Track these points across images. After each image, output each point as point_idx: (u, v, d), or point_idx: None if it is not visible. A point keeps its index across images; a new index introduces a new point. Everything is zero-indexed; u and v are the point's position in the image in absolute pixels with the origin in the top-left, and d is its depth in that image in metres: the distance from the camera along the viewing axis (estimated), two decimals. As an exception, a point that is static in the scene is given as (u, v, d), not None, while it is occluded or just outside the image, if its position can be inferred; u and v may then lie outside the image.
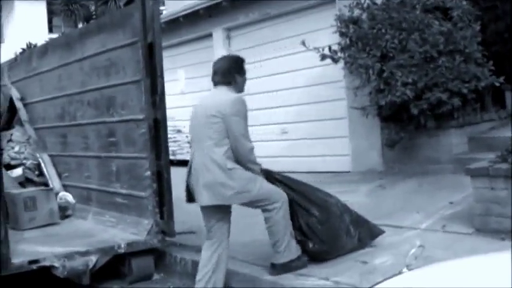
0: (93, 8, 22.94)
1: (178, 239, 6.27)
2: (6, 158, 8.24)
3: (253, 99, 10.45)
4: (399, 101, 7.18)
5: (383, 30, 7.35)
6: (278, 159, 9.65)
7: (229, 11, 10.93)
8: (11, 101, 9.08)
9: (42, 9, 29.40)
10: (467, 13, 7.35)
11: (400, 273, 2.37)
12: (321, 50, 7.89)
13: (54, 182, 7.89)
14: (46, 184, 7.86)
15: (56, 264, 5.40)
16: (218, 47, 11.18)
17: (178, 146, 12.29)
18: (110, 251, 5.77)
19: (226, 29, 11.29)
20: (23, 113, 8.88)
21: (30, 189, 7.46)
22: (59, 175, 8.06)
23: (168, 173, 5.91)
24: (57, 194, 7.52)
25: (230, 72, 4.81)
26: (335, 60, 7.95)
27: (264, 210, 4.75)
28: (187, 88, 12.37)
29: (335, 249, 5.07)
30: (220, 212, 4.73)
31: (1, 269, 5.12)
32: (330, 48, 7.93)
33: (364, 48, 7.50)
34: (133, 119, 6.21)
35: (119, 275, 6.03)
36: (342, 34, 7.90)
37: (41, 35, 21.87)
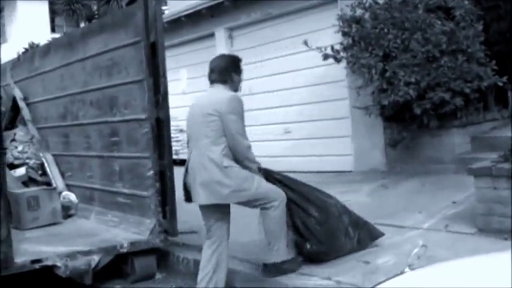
0: (95, 7, 22.91)
1: (181, 238, 6.27)
2: (9, 158, 8.26)
3: (256, 99, 10.48)
4: (402, 101, 7.18)
5: (385, 30, 7.35)
6: (281, 159, 9.66)
7: (231, 11, 10.93)
8: (14, 100, 9.09)
9: (44, 9, 29.37)
10: (469, 13, 7.35)
11: (402, 273, 2.37)
12: (323, 49, 7.89)
13: (57, 182, 7.90)
14: (49, 184, 7.87)
15: (59, 264, 5.40)
16: (220, 47, 11.18)
17: (181, 145, 12.27)
18: (113, 250, 5.77)
19: (229, 29, 11.30)
20: (26, 113, 8.89)
21: (33, 189, 7.47)
22: (62, 175, 8.07)
23: (171, 173, 5.91)
24: (60, 193, 7.53)
25: (227, 70, 4.82)
26: (337, 60, 7.95)
27: (261, 208, 4.73)
28: (189, 88, 12.37)
29: (333, 251, 5.04)
30: (218, 211, 4.72)
31: (4, 268, 5.13)
32: (332, 47, 7.93)
33: (367, 48, 7.50)
34: (136, 119, 6.21)
35: (122, 274, 6.03)
36: (344, 34, 7.89)
37: (43, 35, 21.87)
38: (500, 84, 7.27)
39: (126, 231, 6.28)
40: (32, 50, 11.86)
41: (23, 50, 15.13)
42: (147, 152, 6.03)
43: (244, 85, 10.24)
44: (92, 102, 7.12)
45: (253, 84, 10.44)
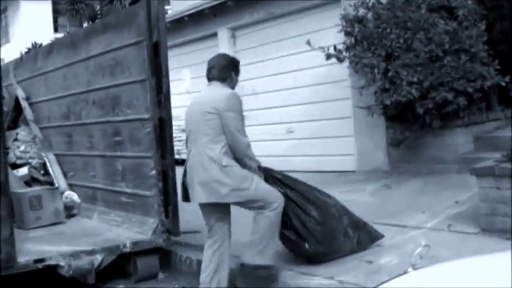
0: (98, 7, 22.97)
1: (184, 238, 6.28)
2: (12, 157, 8.27)
3: (259, 99, 10.49)
4: (404, 101, 7.17)
5: (388, 30, 7.34)
6: (283, 159, 9.66)
7: (234, 11, 10.93)
8: (17, 100, 9.10)
9: (47, 9, 29.45)
10: (472, 12, 7.34)
11: (405, 272, 2.37)
12: (326, 49, 7.88)
13: (60, 181, 7.91)
14: (52, 183, 7.88)
15: (62, 263, 5.41)
16: (223, 47, 11.18)
17: (182, 145, 12.19)
18: (115, 250, 5.77)
19: (231, 29, 11.29)
20: (28, 112, 8.90)
21: (35, 189, 7.48)
22: (65, 174, 8.08)
23: (174, 172, 5.91)
24: (62, 193, 7.54)
25: (228, 68, 4.85)
26: (340, 60, 7.94)
27: (258, 209, 4.64)
28: (192, 87, 12.36)
29: (332, 251, 5.02)
30: (218, 211, 4.70)
31: (7, 267, 5.13)
32: (335, 47, 7.92)
33: (369, 48, 7.49)
34: (138, 119, 6.22)
35: (124, 274, 6.03)
36: (347, 33, 7.89)
37: (46, 35, 21.93)
38: (503, 83, 7.26)
39: (129, 230, 6.28)
40: (35, 50, 11.89)
41: (26, 49, 15.18)
42: (150, 151, 6.04)
43: (247, 85, 10.39)
44: (95, 102, 7.13)
45: (256, 84, 10.45)
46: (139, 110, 6.20)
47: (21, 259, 5.29)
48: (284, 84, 10.15)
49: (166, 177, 5.93)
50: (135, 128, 6.30)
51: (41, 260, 5.37)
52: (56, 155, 8.31)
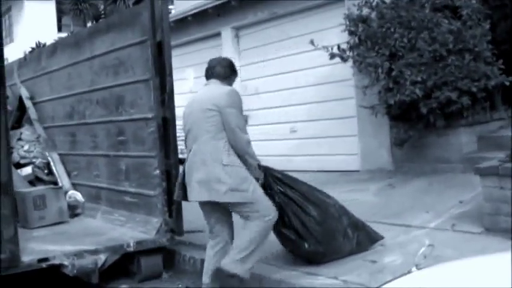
0: (102, 7, 22.98)
1: (187, 237, 6.28)
2: (15, 157, 8.28)
3: (262, 98, 10.49)
4: (408, 100, 7.16)
5: (392, 29, 7.34)
6: (287, 158, 9.67)
7: (237, 10, 10.94)
8: (21, 99, 9.12)
9: (51, 9, 29.47)
10: (476, 12, 7.32)
11: (409, 272, 2.37)
12: (329, 48, 7.88)
13: (64, 181, 7.92)
14: (55, 183, 7.89)
15: (66, 263, 5.41)
16: (227, 46, 11.18)
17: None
18: (119, 249, 5.78)
19: (235, 28, 11.29)
20: (32, 112, 8.92)
21: (39, 188, 7.49)
22: (68, 174, 8.09)
23: (177, 172, 5.87)
24: (66, 192, 7.55)
25: (229, 68, 4.88)
26: (344, 59, 7.93)
27: (252, 216, 4.55)
28: (195, 87, 12.37)
29: (331, 251, 5.01)
30: (217, 211, 4.68)
31: (11, 267, 5.14)
32: (338, 47, 7.92)
33: (373, 47, 7.49)
34: (142, 118, 6.22)
35: (128, 273, 6.04)
36: (350, 33, 7.88)
37: (50, 34, 21.95)
38: (507, 83, 7.24)
39: (132, 230, 6.29)
40: (39, 50, 11.89)
41: (30, 49, 15.19)
42: (154, 151, 6.04)
43: (251, 84, 10.39)
44: (99, 101, 7.14)
45: (259, 83, 10.45)
46: (143, 109, 6.20)
47: (25, 258, 5.30)
48: (287, 83, 10.14)
49: (170, 177, 5.94)
50: (139, 127, 6.31)
51: (45, 260, 5.38)
52: (59, 154, 8.32)
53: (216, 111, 4.52)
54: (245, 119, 9.68)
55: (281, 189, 4.85)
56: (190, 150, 4.66)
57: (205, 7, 11.51)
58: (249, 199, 4.50)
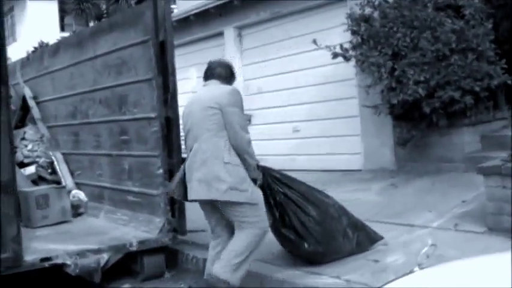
0: (104, 6, 23.03)
1: (190, 237, 6.28)
2: (19, 156, 8.29)
3: (265, 98, 10.49)
4: (411, 100, 7.16)
5: (395, 29, 7.33)
6: (290, 158, 9.68)
7: (240, 10, 10.93)
8: (24, 99, 9.13)
9: (54, 8, 29.51)
10: (479, 11, 7.32)
11: (411, 272, 2.37)
12: (332, 48, 7.87)
13: (67, 180, 7.93)
14: (58, 182, 7.90)
15: (68, 262, 5.42)
16: (229, 46, 11.18)
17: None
18: (122, 249, 5.79)
19: (238, 28, 11.29)
20: (35, 111, 8.93)
21: (42, 187, 7.50)
22: (72, 173, 8.10)
23: (180, 171, 5.91)
24: (69, 192, 7.56)
25: (230, 69, 4.90)
26: (346, 59, 7.93)
27: (247, 222, 4.52)
28: (198, 86, 12.36)
29: (331, 251, 5.00)
30: (217, 212, 4.65)
31: (14, 266, 5.15)
32: (341, 46, 7.91)
33: (376, 47, 7.48)
34: (145, 117, 6.22)
35: (131, 273, 6.05)
36: (353, 32, 7.88)
37: (52, 34, 21.96)
38: (510, 82, 7.24)
39: (135, 229, 6.29)
40: (42, 49, 11.91)
41: (33, 48, 15.22)
42: (157, 150, 6.05)
43: (253, 84, 10.39)
44: (102, 100, 7.15)
45: (262, 83, 10.44)
46: (146, 108, 6.20)
47: (28, 258, 5.31)
48: (290, 83, 10.14)
49: (172, 176, 5.92)
50: (142, 126, 6.31)
51: (48, 259, 5.39)
52: (63, 153, 8.34)
53: (218, 110, 4.51)
54: (249, 119, 9.73)
55: (280, 189, 4.85)
56: (190, 150, 4.64)
57: (207, 7, 11.51)
58: (249, 199, 4.48)
